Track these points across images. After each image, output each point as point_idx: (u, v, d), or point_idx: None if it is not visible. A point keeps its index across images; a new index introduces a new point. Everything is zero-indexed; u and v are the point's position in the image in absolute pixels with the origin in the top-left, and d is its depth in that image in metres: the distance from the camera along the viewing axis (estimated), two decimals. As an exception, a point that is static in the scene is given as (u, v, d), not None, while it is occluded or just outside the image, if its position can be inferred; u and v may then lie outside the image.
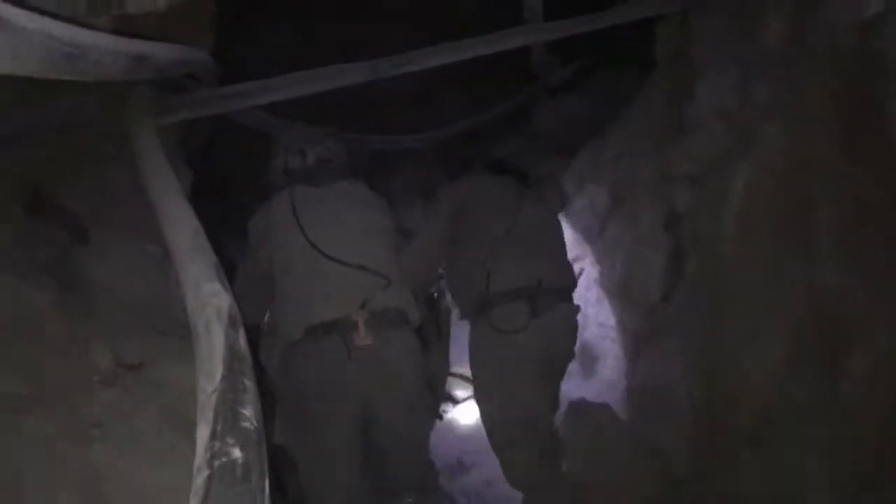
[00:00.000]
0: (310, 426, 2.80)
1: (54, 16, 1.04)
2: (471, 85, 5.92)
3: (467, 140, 5.65)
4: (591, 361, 4.46)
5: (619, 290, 4.01)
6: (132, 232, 2.94)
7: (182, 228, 1.60)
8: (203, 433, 1.03)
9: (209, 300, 1.33)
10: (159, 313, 2.72)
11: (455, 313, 3.76)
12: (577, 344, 3.50)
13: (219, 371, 1.14)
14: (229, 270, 1.87)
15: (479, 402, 3.49)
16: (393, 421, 2.88)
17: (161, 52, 1.87)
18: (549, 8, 4.03)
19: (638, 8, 3.51)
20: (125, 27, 2.24)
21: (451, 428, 5.10)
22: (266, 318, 3.21)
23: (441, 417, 4.22)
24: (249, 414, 1.08)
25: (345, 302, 2.81)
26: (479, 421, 3.46)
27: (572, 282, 3.49)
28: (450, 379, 4.32)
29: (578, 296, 3.58)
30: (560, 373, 3.49)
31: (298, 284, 2.91)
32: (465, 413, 5.17)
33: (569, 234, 4.15)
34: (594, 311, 4.30)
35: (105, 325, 2.36)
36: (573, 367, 3.73)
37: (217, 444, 0.99)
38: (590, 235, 4.24)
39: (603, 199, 4.10)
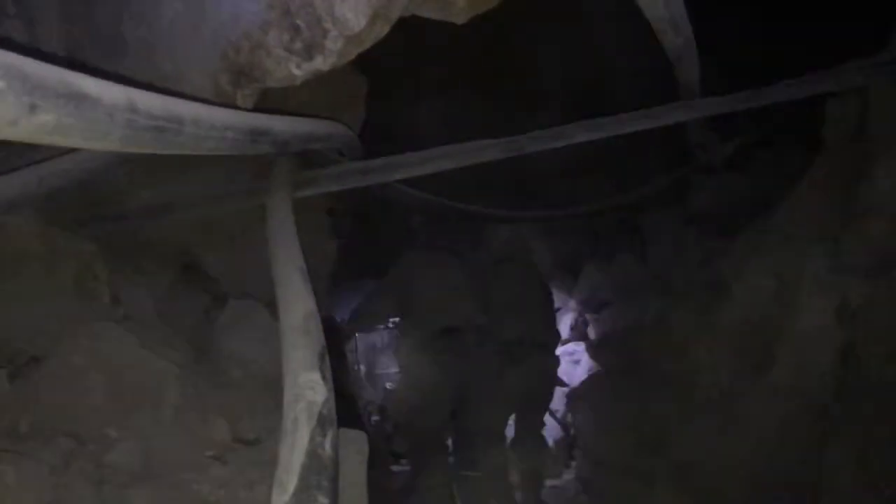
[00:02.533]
0: None
1: (144, 86, 1.01)
2: (625, 161, 5.76)
3: (617, 217, 5.47)
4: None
5: (783, 390, 3.63)
6: (270, 305, 2.96)
7: (294, 309, 1.53)
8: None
9: (304, 392, 1.23)
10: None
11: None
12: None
13: (293, 483, 1.03)
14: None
15: None
16: None
17: (282, 125, 1.84)
18: (710, 80, 3.81)
19: (808, 85, 3.20)
20: (265, 102, 2.27)
21: None
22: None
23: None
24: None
25: None
26: None
27: None
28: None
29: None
30: None
31: None
32: None
33: (730, 320, 3.84)
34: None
35: (228, 398, 2.33)
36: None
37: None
38: (748, 325, 3.89)
39: (765, 287, 3.75)
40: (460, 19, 2.25)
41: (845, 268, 3.30)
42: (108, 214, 2.87)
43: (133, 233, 2.98)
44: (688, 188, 5.32)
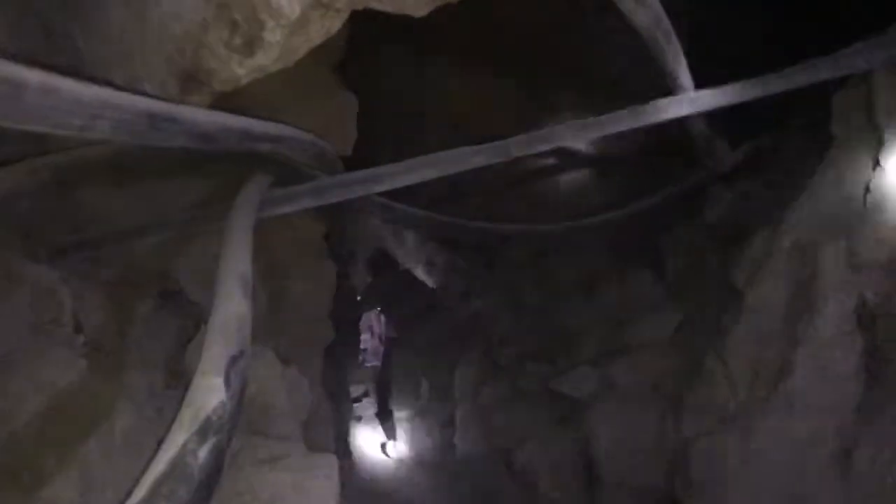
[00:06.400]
0: None
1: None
2: (636, 172, 5.60)
3: (632, 231, 5.28)
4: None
5: (803, 399, 3.41)
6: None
7: (219, 311, 1.40)
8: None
9: (195, 395, 1.10)
10: (262, 413, 2.54)
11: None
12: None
13: (137, 497, 0.89)
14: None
15: None
16: None
17: (198, 115, 1.70)
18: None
19: (810, 71, 2.99)
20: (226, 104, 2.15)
21: None
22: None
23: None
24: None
25: None
26: None
27: None
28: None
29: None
30: None
31: None
32: None
33: (744, 330, 3.64)
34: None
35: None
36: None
37: None
38: (763, 335, 3.67)
39: (779, 294, 3.55)
40: (419, 12, 2.13)
41: (861, 265, 3.11)
42: (82, 239, 2.77)
43: (111, 259, 2.88)
44: (702, 198, 5.14)
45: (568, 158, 5.78)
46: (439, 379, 7.76)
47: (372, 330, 7.75)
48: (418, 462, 7.19)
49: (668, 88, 2.91)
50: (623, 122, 2.78)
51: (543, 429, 5.28)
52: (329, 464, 1.94)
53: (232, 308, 1.43)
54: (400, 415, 8.09)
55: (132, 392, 2.05)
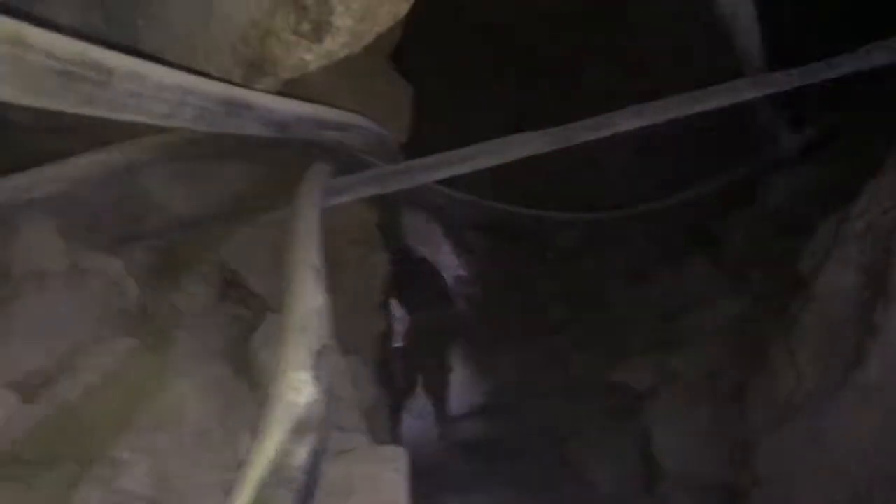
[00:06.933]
0: None
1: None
2: (692, 157, 5.47)
3: (687, 218, 5.16)
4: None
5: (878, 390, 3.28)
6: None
7: (296, 305, 1.36)
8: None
9: (285, 393, 1.06)
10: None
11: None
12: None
13: (244, 498, 0.85)
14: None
15: None
16: None
17: (272, 102, 1.68)
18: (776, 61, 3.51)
19: (884, 52, 2.88)
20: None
21: None
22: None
23: None
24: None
25: None
26: None
27: None
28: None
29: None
30: None
31: None
32: None
33: (812, 319, 3.52)
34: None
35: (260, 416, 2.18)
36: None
37: None
38: (833, 323, 3.55)
39: (849, 281, 3.42)
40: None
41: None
42: (145, 229, 2.78)
43: (171, 248, 2.89)
44: (760, 184, 5.00)
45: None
46: (487, 368, 7.73)
47: None
48: (468, 451, 7.17)
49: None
50: (693, 104, 2.70)
51: (598, 420, 5.20)
52: (399, 456, 1.92)
53: (309, 301, 1.40)
54: (449, 403, 8.09)
55: (200, 383, 2.04)
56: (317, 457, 1.01)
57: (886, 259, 3.17)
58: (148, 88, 1.03)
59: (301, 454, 0.98)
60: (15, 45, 0.80)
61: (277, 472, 0.94)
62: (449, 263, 7.78)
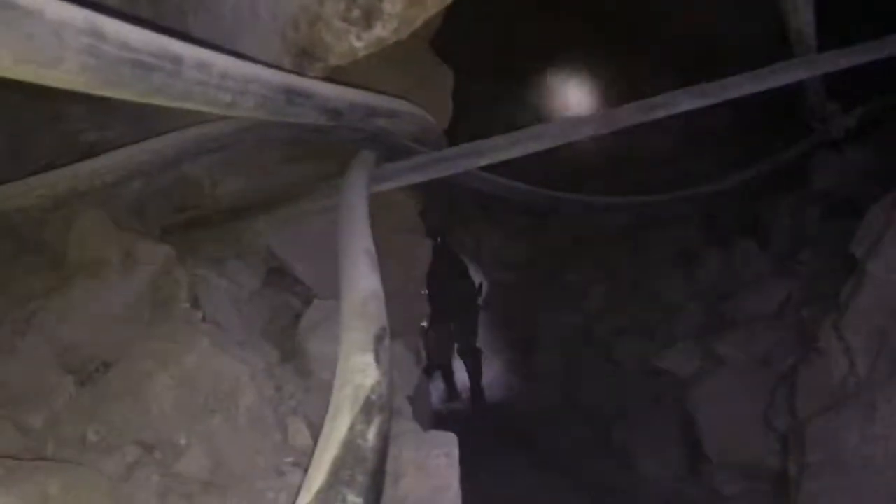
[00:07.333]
0: None
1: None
2: (736, 139, 5.39)
3: (733, 200, 5.08)
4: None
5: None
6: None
7: (354, 290, 1.37)
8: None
9: (352, 376, 1.06)
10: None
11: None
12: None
13: (320, 479, 0.86)
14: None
15: None
16: None
17: (329, 90, 1.68)
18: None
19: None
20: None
21: None
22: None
23: None
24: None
25: None
26: None
27: None
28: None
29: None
30: None
31: None
32: None
33: (865, 302, 3.45)
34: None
35: (312, 401, 2.19)
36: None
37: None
38: (887, 307, 3.48)
39: (903, 265, 3.35)
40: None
41: None
42: (193, 217, 2.81)
43: (218, 235, 2.91)
44: (810, 166, 4.91)
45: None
46: (526, 352, 7.74)
47: None
48: (507, 438, 7.19)
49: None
50: (745, 86, 2.63)
51: (642, 405, 5.18)
52: (449, 442, 1.91)
53: (365, 285, 1.41)
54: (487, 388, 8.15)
55: (251, 369, 2.05)
56: (384, 438, 1.02)
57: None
58: (214, 77, 1.04)
59: (370, 435, 0.99)
60: (92, 37, 0.81)
61: (350, 452, 0.94)
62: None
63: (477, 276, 8.73)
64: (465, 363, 8.75)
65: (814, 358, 3.71)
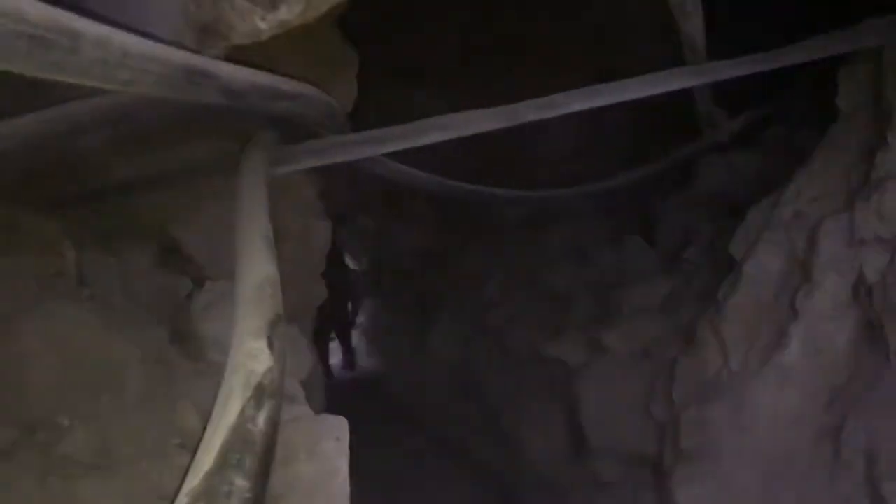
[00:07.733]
0: None
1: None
2: (632, 138, 5.58)
3: (625, 198, 5.28)
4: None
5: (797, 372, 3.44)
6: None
7: (249, 275, 1.37)
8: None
9: (244, 361, 1.08)
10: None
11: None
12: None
13: (208, 463, 0.87)
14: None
15: None
16: None
17: (233, 71, 1.67)
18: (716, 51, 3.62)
19: (822, 46, 3.00)
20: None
21: None
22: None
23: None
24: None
25: None
26: None
27: None
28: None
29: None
30: None
31: None
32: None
33: (740, 300, 3.65)
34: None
35: (201, 383, 2.17)
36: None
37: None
38: (759, 305, 3.70)
39: (776, 265, 3.57)
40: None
41: (861, 242, 3.13)
42: (84, 191, 2.72)
43: (109, 212, 2.83)
44: (697, 168, 5.14)
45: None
46: (419, 339, 7.81)
47: None
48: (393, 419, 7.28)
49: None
50: (636, 89, 2.76)
51: (531, 393, 5.32)
52: (339, 426, 1.93)
53: (262, 270, 1.41)
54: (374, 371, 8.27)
55: (142, 350, 2.02)
56: (274, 423, 1.03)
57: (811, 247, 3.31)
58: (113, 55, 1.02)
59: (260, 420, 1.00)
60: (-14, 11, 0.79)
61: (239, 437, 0.96)
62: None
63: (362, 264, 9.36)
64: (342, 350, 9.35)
65: (692, 351, 3.89)
